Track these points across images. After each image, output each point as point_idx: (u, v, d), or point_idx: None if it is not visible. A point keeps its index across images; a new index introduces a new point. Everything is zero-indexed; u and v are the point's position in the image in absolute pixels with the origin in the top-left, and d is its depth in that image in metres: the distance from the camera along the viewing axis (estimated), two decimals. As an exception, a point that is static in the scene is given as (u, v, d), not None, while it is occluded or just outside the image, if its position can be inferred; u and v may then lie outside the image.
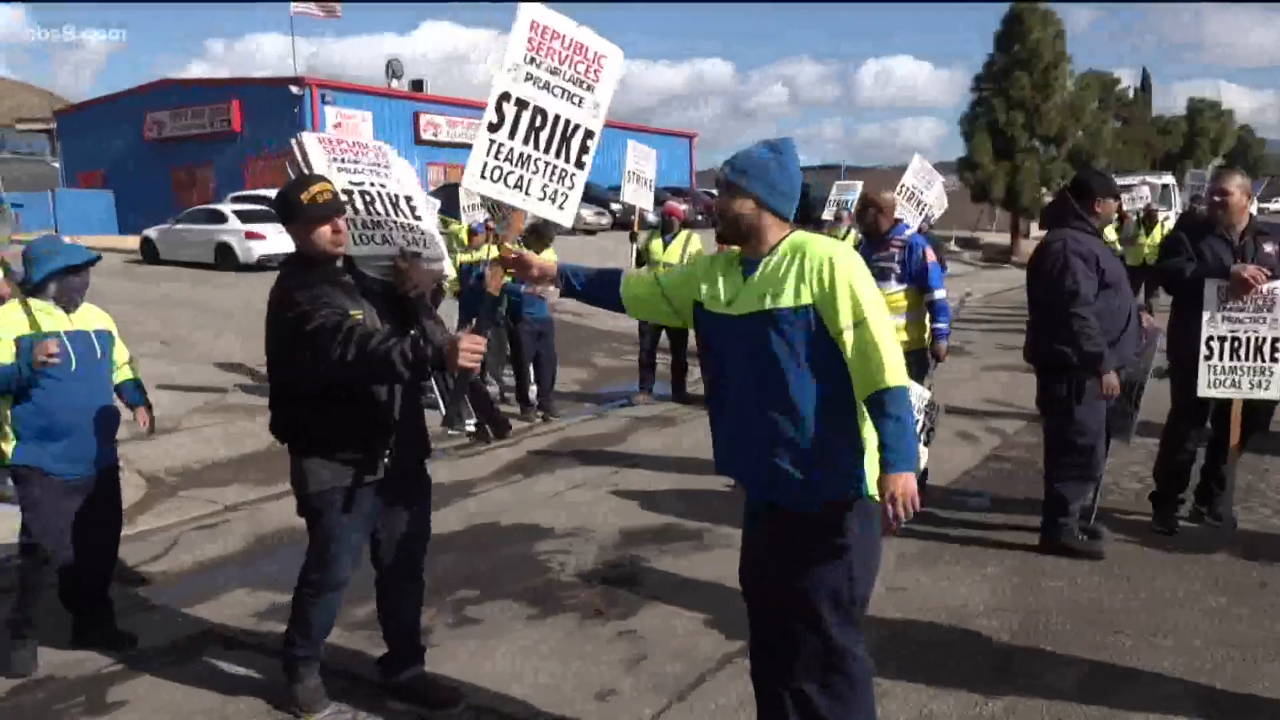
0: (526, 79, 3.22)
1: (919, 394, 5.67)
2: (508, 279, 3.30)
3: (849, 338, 2.64)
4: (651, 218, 11.50)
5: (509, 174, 3.26)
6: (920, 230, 6.98)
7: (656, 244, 9.24)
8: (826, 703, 2.83)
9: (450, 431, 7.54)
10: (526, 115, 3.24)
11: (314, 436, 3.39)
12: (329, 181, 3.36)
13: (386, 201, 3.56)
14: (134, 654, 4.16)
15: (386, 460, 3.39)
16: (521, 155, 3.27)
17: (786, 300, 2.66)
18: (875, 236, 6.07)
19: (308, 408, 3.35)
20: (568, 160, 3.36)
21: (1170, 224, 12.30)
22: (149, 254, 23.11)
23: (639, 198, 9.82)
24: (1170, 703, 3.63)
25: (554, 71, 3.27)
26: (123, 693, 3.86)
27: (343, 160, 3.53)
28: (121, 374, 4.38)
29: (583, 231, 27.96)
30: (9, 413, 3.98)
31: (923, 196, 7.87)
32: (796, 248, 2.73)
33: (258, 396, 9.40)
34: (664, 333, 9.30)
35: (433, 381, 8.63)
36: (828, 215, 12.71)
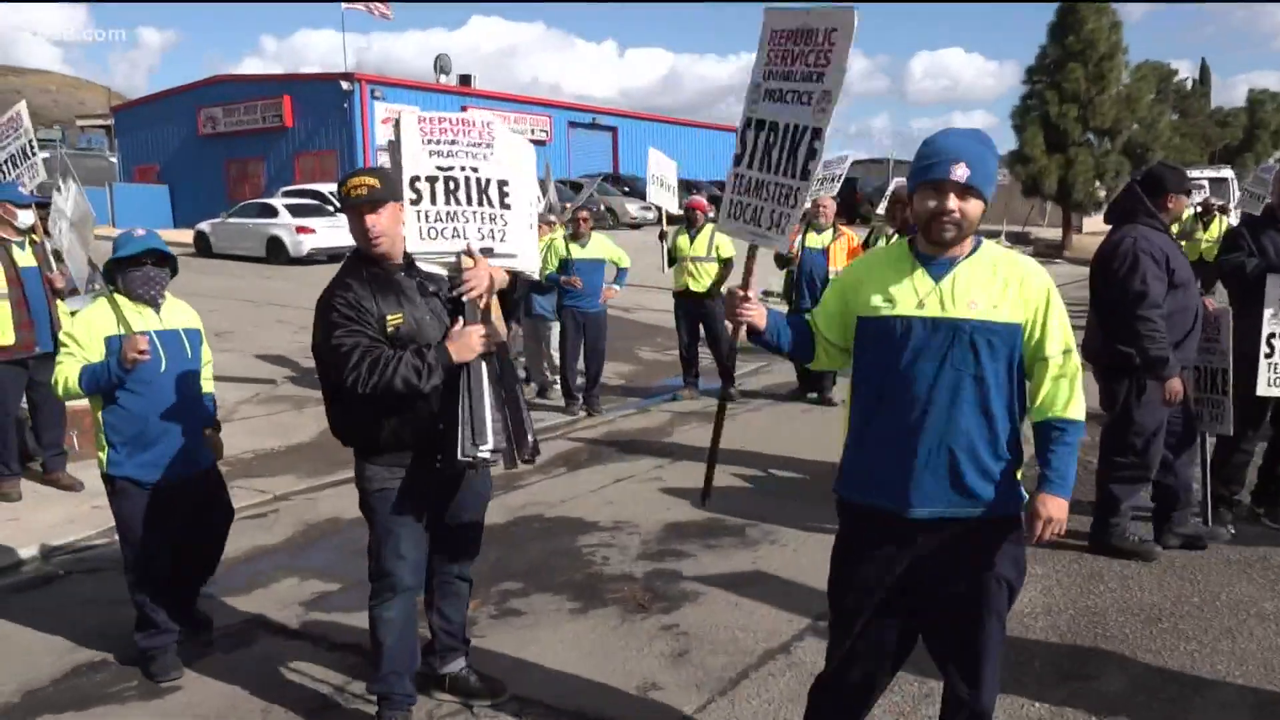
0: (431, 155, 3.26)
1: None
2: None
3: (1054, 364, 2.63)
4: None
5: (444, 229, 3.25)
6: None
7: (683, 239, 9.25)
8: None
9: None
10: (440, 185, 3.26)
11: (365, 436, 3.36)
12: (375, 177, 3.28)
13: (473, 188, 3.35)
14: (185, 642, 4.24)
15: (439, 461, 3.26)
16: (448, 213, 3.26)
17: (997, 314, 2.57)
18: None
19: (356, 407, 3.29)
20: (492, 205, 3.33)
21: (1233, 219, 12.02)
22: (202, 247, 23.56)
23: (662, 199, 10.42)
24: (1226, 710, 3.56)
25: (452, 142, 3.28)
26: (174, 679, 3.93)
27: (438, 141, 3.36)
28: (205, 383, 4.19)
29: (628, 226, 27.98)
30: (100, 418, 3.91)
31: None
32: (995, 259, 2.64)
33: (306, 389, 9.53)
34: (701, 327, 9.27)
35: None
36: (882, 209, 12.45)
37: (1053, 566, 4.90)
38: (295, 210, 22.13)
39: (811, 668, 3.86)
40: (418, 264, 3.34)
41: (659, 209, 11.94)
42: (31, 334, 6.09)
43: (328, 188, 25.05)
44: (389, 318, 3.22)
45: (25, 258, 6.16)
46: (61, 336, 3.97)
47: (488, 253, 3.32)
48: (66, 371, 3.83)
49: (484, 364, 3.23)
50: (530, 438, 3.32)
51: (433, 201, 3.26)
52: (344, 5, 33.08)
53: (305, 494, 6.48)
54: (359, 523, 5.73)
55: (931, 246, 2.64)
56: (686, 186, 28.28)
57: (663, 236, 9.58)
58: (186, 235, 25.61)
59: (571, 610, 4.51)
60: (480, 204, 3.35)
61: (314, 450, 7.41)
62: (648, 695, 3.74)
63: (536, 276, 3.65)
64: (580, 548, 5.35)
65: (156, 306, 3.99)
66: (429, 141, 3.32)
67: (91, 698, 3.81)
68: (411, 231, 3.25)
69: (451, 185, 3.32)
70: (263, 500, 6.31)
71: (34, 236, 6.33)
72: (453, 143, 3.35)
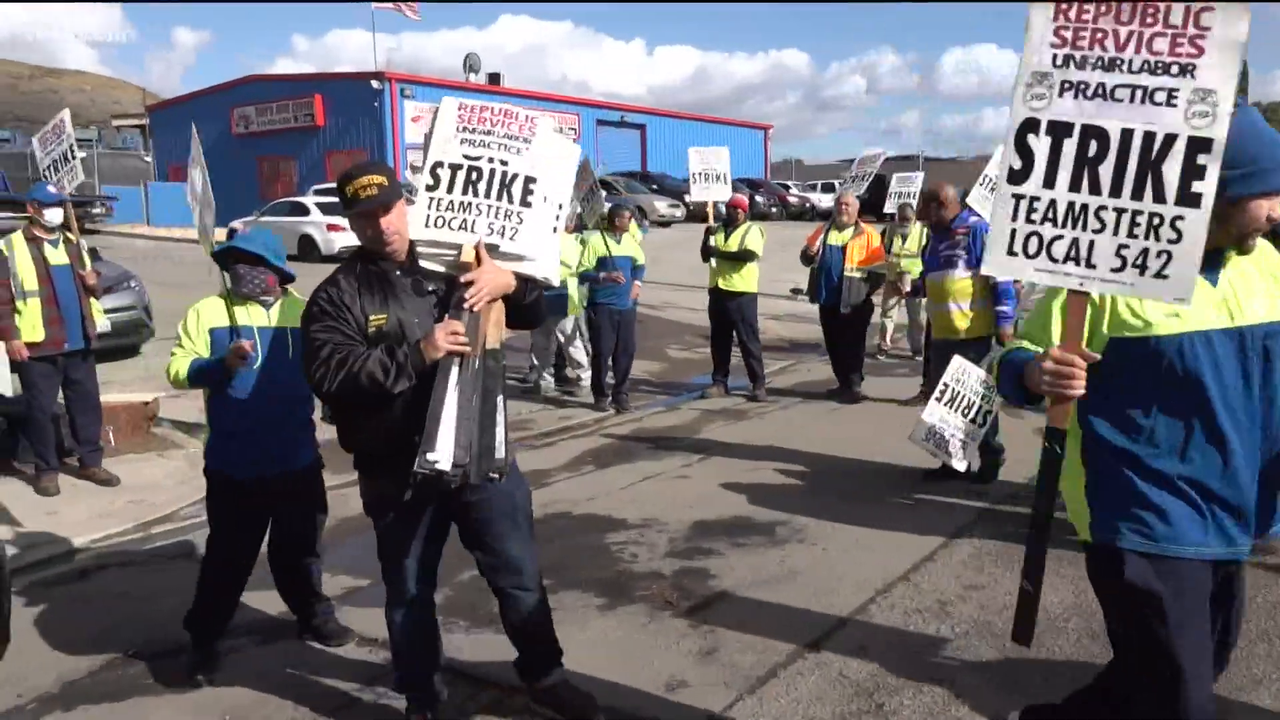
0: (462, 143, 3.18)
1: (978, 377, 5.57)
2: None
3: None
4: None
5: (452, 219, 3.12)
6: None
7: (720, 236, 9.24)
8: None
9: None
10: (462, 173, 3.17)
11: (351, 442, 3.25)
12: (380, 174, 3.15)
13: (495, 181, 3.18)
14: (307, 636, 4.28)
15: (422, 468, 2.92)
16: (461, 203, 3.14)
17: (1276, 313, 2.32)
18: (941, 228, 6.35)
19: (342, 413, 3.21)
20: (511, 201, 3.18)
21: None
22: (235, 246, 23.76)
23: (711, 194, 9.89)
24: (1264, 714, 3.50)
25: (487, 133, 3.19)
26: (208, 671, 3.98)
27: (472, 130, 3.21)
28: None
29: (657, 224, 27.99)
30: (206, 406, 3.98)
31: None
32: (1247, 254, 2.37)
33: (338, 385, 9.59)
34: (734, 327, 9.26)
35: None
36: (890, 208, 12.29)
37: (1080, 567, 4.82)
38: (326, 208, 22.29)
39: (840, 667, 3.85)
40: (420, 262, 3.18)
41: (687, 206, 11.90)
42: (61, 331, 6.18)
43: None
44: (372, 317, 3.09)
45: (57, 255, 6.25)
46: (179, 328, 4.02)
47: (493, 250, 3.14)
48: (178, 365, 3.90)
49: (454, 370, 2.99)
50: (499, 455, 3.05)
51: (449, 190, 3.14)
52: (374, 5, 33.32)
53: (337, 490, 6.49)
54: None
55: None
56: (750, 186, 28.24)
57: (710, 233, 9.55)
58: (220, 234, 25.83)
59: (599, 607, 4.51)
60: (499, 199, 3.18)
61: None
62: (675, 693, 3.74)
63: (554, 282, 3.41)
64: (608, 545, 5.36)
65: (265, 304, 3.99)
66: (463, 129, 3.21)
67: (125, 690, 3.86)
68: (418, 218, 3.12)
69: (474, 175, 3.18)
70: (294, 496, 6.36)
71: (68, 235, 6.43)
72: (488, 133, 3.22)
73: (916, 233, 10.45)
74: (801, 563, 5.02)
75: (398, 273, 3.17)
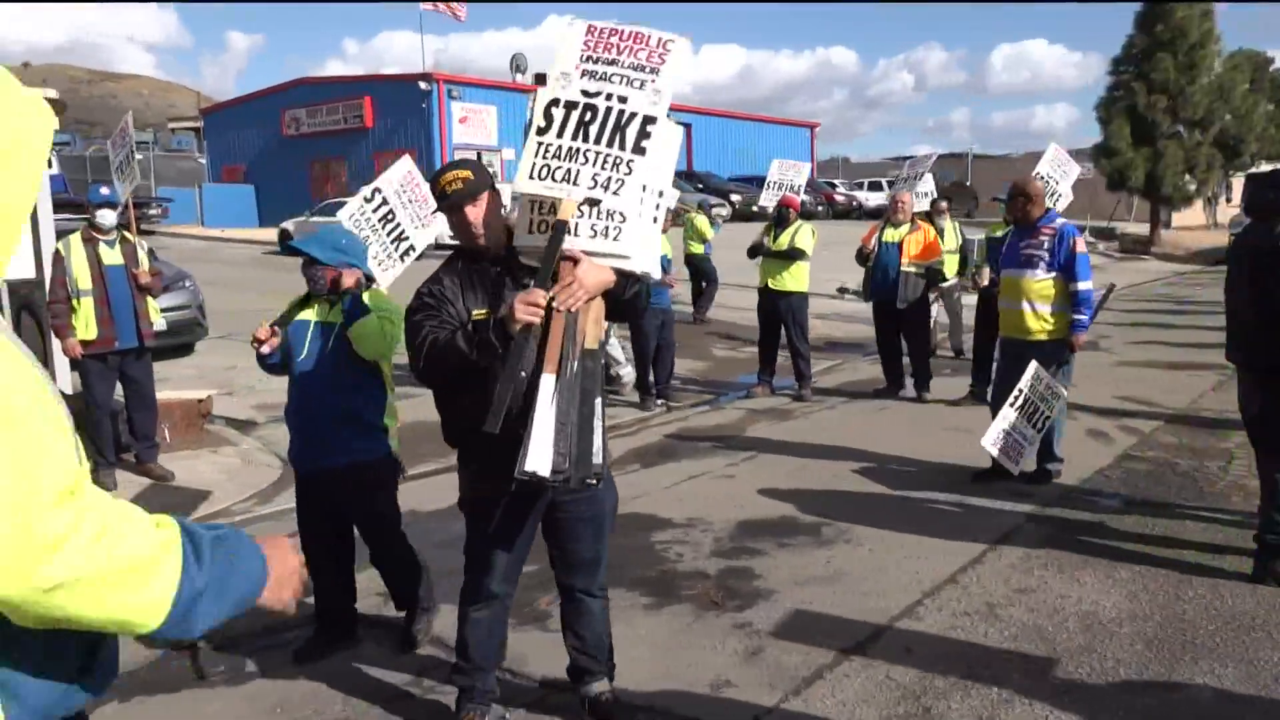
0: (583, 75, 3.01)
1: (1047, 384, 5.49)
2: None
3: None
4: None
5: (556, 169, 2.99)
6: None
7: (770, 235, 9.21)
8: None
9: None
10: (575, 113, 3.00)
11: (450, 442, 3.30)
12: (466, 169, 3.13)
13: (609, 123, 3.01)
14: (270, 628, 4.36)
15: (522, 475, 2.85)
16: (569, 149, 3.00)
17: None
18: (1025, 224, 6.21)
19: (443, 414, 3.26)
20: (623, 148, 2.98)
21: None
22: (285, 245, 24.19)
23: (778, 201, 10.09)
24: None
25: (611, 63, 3.03)
26: (260, 665, 4.06)
27: (597, 60, 3.04)
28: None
29: (702, 222, 27.89)
30: None
31: (1057, 186, 7.62)
32: None
33: (386, 383, 9.70)
34: (783, 327, 9.22)
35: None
36: (918, 206, 11.97)
37: (1138, 571, 4.76)
38: (375, 209, 22.55)
39: (887, 669, 3.82)
40: (520, 258, 3.13)
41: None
42: (112, 330, 6.30)
43: (406, 186, 25.50)
44: (475, 313, 3.09)
45: (112, 255, 6.37)
46: None
47: (594, 204, 2.98)
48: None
49: (552, 376, 2.89)
50: (597, 460, 3.01)
51: (559, 134, 2.99)
52: (422, 6, 33.63)
53: (384, 487, 6.60)
54: (436, 515, 5.85)
55: None
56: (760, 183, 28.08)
57: (768, 230, 9.52)
58: (271, 234, 26.34)
59: (645, 606, 4.52)
60: (610, 144, 2.98)
61: (393, 444, 7.55)
62: (720, 692, 3.74)
63: (655, 276, 3.30)
64: (653, 544, 5.37)
65: (332, 301, 4.02)
66: (586, 59, 3.05)
67: (182, 681, 3.93)
68: (524, 166, 3.01)
69: (587, 116, 2.99)
70: (343, 492, 6.44)
71: (126, 235, 6.56)
72: (612, 62, 3.04)
73: (950, 228, 10.29)
74: (847, 564, 4.99)
75: (496, 270, 3.16)
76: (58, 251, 6.33)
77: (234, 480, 6.59)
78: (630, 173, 2.99)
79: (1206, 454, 6.89)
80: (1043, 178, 7.36)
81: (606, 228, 3.01)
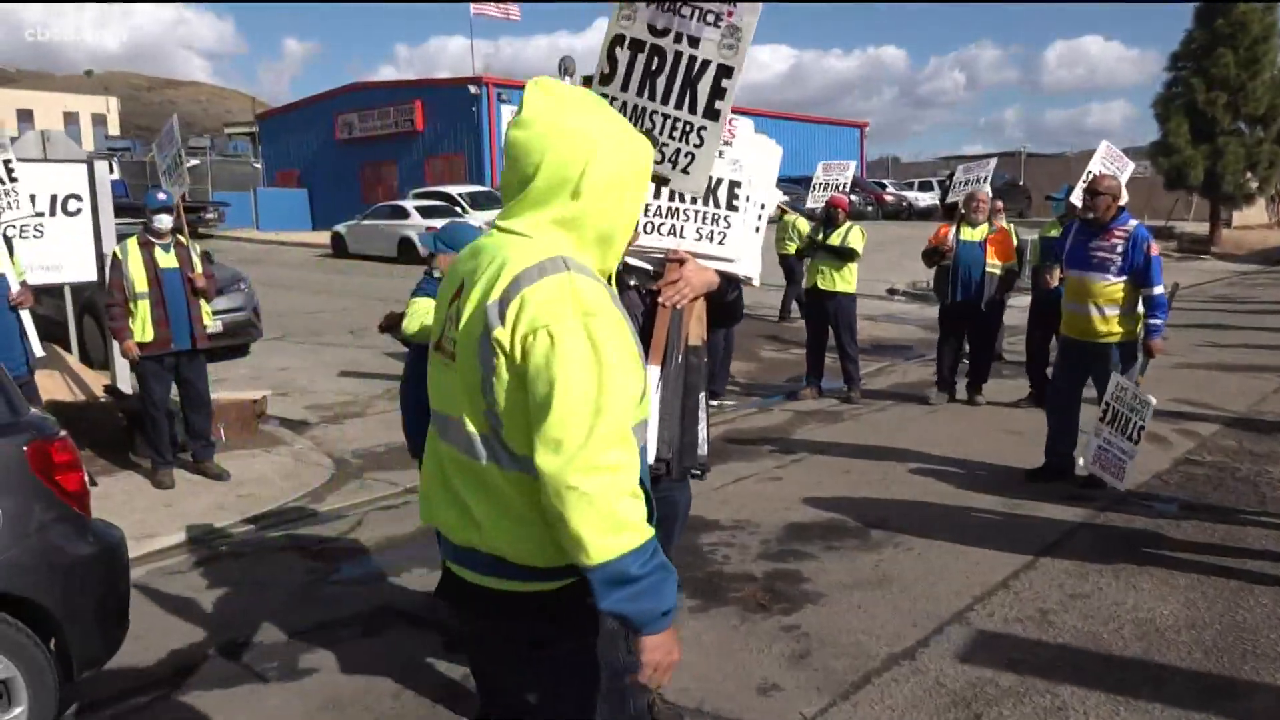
0: (649, 3, 2.73)
1: (1133, 393, 5.38)
2: None
3: None
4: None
5: (660, 225, 3.06)
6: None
7: (819, 236, 9.15)
8: None
9: None
10: (641, 57, 2.73)
11: None
12: None
13: (712, 188, 3.10)
14: (322, 625, 4.43)
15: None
16: (669, 209, 3.05)
17: None
18: (1098, 225, 6.02)
19: None
20: (694, 110, 2.75)
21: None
22: (339, 248, 24.56)
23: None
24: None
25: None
26: (312, 660, 4.12)
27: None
28: None
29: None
30: None
31: None
32: None
33: (436, 384, 9.80)
34: (830, 328, 9.16)
35: None
36: (955, 197, 11.74)
37: (1197, 578, 4.66)
38: (425, 211, 22.82)
39: (937, 675, 3.78)
40: (627, 259, 3.09)
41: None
42: (168, 332, 6.43)
43: (457, 189, 25.77)
44: None
45: (168, 259, 6.50)
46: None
47: (701, 255, 3.08)
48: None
49: (657, 367, 3.00)
50: (702, 451, 3.12)
51: (656, 196, 3.09)
52: (473, 10, 33.94)
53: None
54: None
55: None
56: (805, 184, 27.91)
57: (817, 231, 9.47)
58: (324, 237, 26.73)
59: (692, 608, 4.52)
60: (705, 203, 3.09)
61: (442, 445, 7.62)
62: (768, 695, 3.73)
63: (755, 282, 3.35)
64: (700, 545, 5.36)
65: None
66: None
67: (237, 676, 4.01)
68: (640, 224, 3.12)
69: (654, 63, 2.88)
70: (393, 492, 6.53)
71: (180, 238, 6.70)
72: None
73: (1007, 230, 10.12)
74: (896, 567, 4.94)
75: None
76: (115, 255, 6.48)
77: (288, 479, 6.71)
78: (730, 226, 3.05)
79: (1269, 459, 6.72)
80: (1113, 178, 7.22)
81: (712, 232, 3.11)
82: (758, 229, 3.26)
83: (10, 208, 6.54)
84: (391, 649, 4.20)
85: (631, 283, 3.13)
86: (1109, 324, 5.97)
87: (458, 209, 23.75)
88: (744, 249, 3.18)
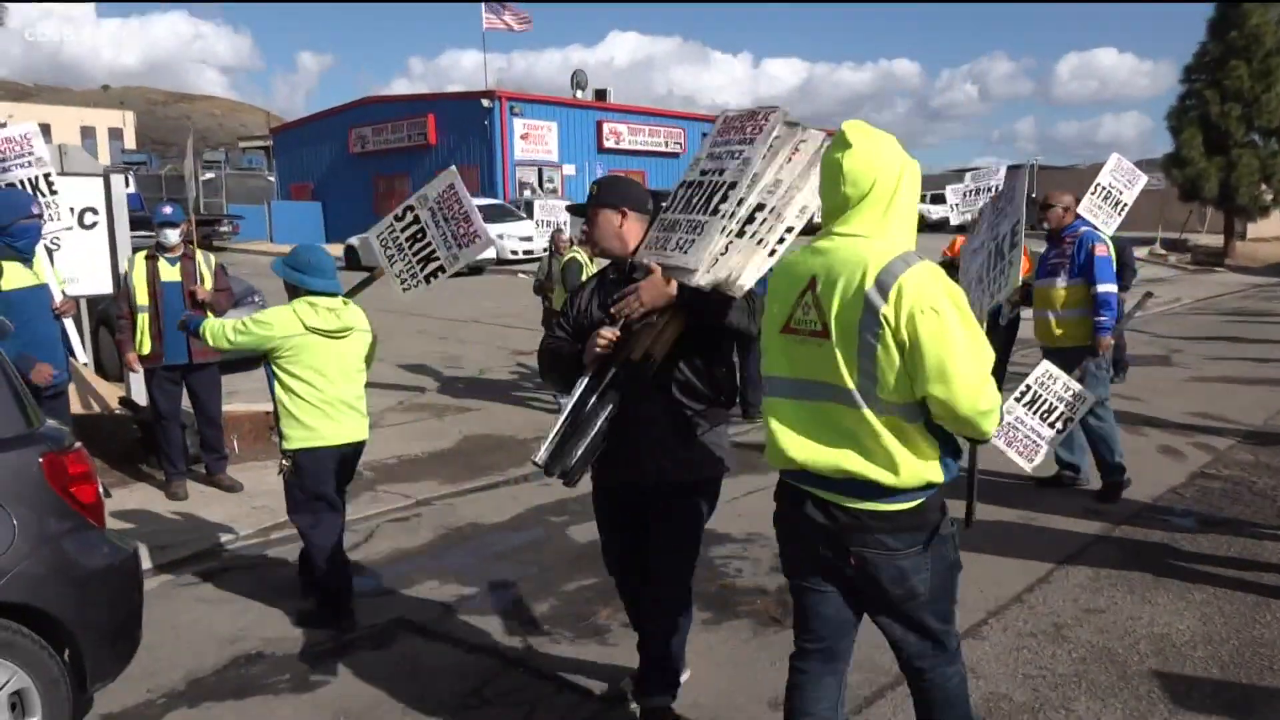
0: (708, 158, 3.24)
1: (1064, 383, 5.38)
2: None
3: None
4: None
5: (654, 240, 3.27)
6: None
7: None
8: None
9: None
10: (685, 192, 3.25)
11: None
12: (601, 183, 3.49)
13: (706, 193, 3.14)
14: (334, 637, 4.43)
15: (533, 459, 3.24)
16: (671, 221, 3.22)
17: None
18: (1053, 236, 6.35)
19: None
20: (704, 213, 3.09)
21: None
22: (352, 261, 24.65)
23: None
24: None
25: (725, 142, 3.19)
26: (324, 673, 4.12)
27: (719, 141, 3.22)
28: None
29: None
30: None
31: (1121, 196, 7.48)
32: None
33: (449, 397, 9.83)
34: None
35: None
36: (956, 219, 11.51)
37: (1213, 592, 4.62)
38: (438, 224, 22.87)
39: (950, 689, 3.75)
40: (634, 275, 3.28)
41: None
42: (161, 346, 6.45)
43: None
44: (592, 316, 3.40)
45: (170, 272, 6.51)
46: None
47: (667, 264, 3.12)
48: None
49: (591, 380, 3.21)
50: (573, 460, 3.15)
51: (668, 209, 3.26)
52: (485, 23, 34.14)
53: (446, 499, 6.68)
54: (497, 528, 5.90)
55: None
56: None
57: None
58: (337, 249, 26.82)
59: (704, 622, 4.50)
60: (699, 213, 3.11)
61: (455, 457, 7.64)
62: (779, 710, 3.69)
63: (738, 291, 3.06)
64: (712, 559, 5.34)
65: None
66: (712, 144, 3.24)
67: (249, 688, 4.02)
68: (646, 240, 3.33)
69: (693, 193, 3.19)
70: (405, 504, 6.54)
71: (190, 251, 6.71)
72: (725, 142, 3.20)
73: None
74: (910, 581, 4.91)
75: (612, 276, 3.45)
76: (126, 268, 6.53)
77: (300, 491, 6.72)
78: (701, 234, 3.08)
79: (1285, 472, 6.67)
80: (1103, 188, 7.26)
81: (680, 240, 3.13)
82: (761, 239, 2.99)
83: (51, 219, 6.59)
84: (403, 661, 4.20)
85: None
86: (1063, 326, 6.15)
87: (470, 222, 23.80)
88: (707, 257, 3.00)
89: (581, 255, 9.16)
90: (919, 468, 2.43)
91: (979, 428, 2.36)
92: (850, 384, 2.41)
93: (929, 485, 2.47)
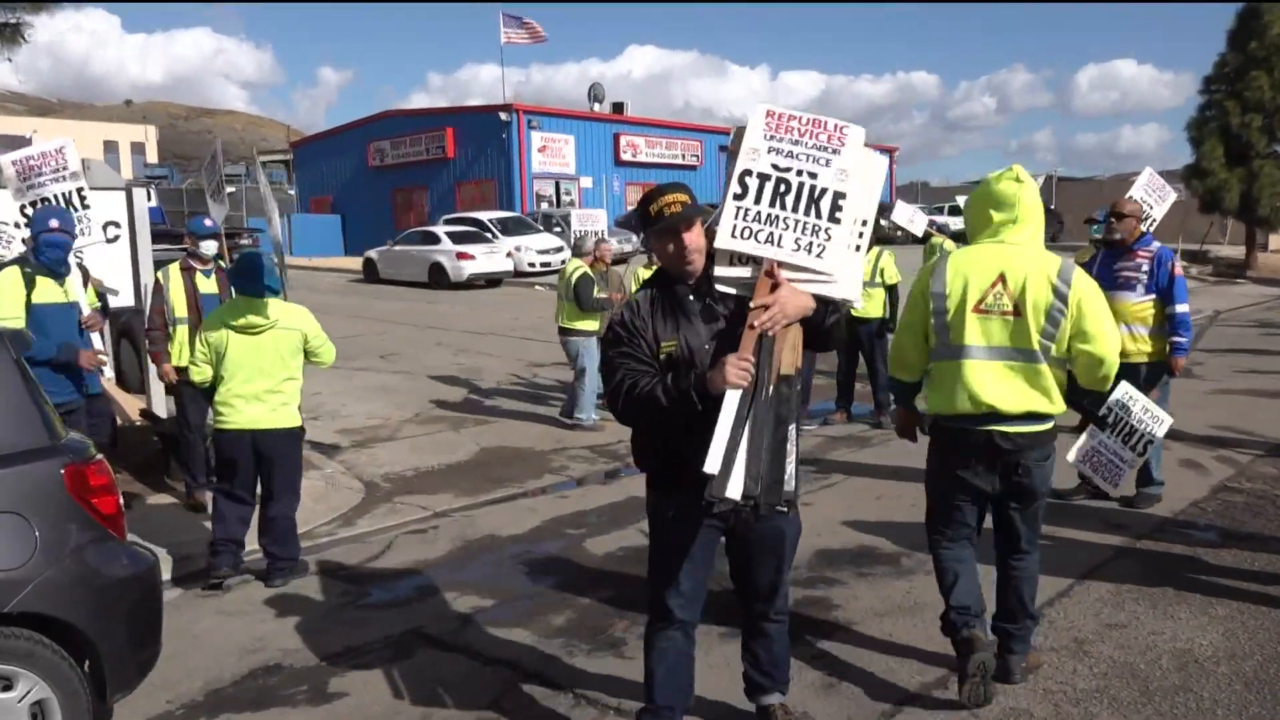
0: (770, 151, 3.18)
1: (1142, 404, 5.33)
2: None
3: None
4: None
5: (758, 231, 3.12)
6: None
7: None
8: None
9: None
10: (770, 184, 3.17)
11: (644, 461, 3.37)
12: (683, 193, 3.15)
13: (804, 195, 3.16)
14: (351, 648, 4.43)
15: (711, 498, 2.90)
16: (769, 215, 3.12)
17: None
18: (1121, 247, 6.20)
19: (638, 431, 3.33)
20: (819, 216, 3.13)
21: None
22: (370, 273, 24.78)
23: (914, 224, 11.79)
24: None
25: (795, 143, 3.17)
26: (342, 684, 4.13)
27: (780, 139, 3.20)
28: None
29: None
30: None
31: (1151, 211, 7.44)
32: None
33: (466, 410, 9.86)
34: (860, 354, 9.12)
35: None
36: (917, 230, 12.73)
37: (1236, 607, 4.57)
38: (456, 237, 23.02)
39: (970, 707, 3.72)
40: (716, 286, 3.15)
41: (929, 231, 13.24)
42: None
43: (487, 215, 25.97)
44: (664, 343, 3.12)
45: (207, 285, 6.59)
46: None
47: (797, 268, 3.08)
48: None
49: (744, 397, 2.92)
50: (789, 487, 2.98)
51: (756, 200, 3.13)
52: (502, 37, 34.37)
53: (464, 511, 6.69)
54: (515, 540, 5.90)
55: None
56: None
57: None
58: (356, 262, 27.01)
59: (721, 634, 4.48)
60: (806, 213, 3.13)
61: (473, 469, 7.65)
62: None
63: (857, 304, 3.34)
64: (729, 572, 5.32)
65: None
66: (771, 138, 3.19)
67: (267, 698, 4.03)
68: (725, 227, 3.12)
69: (782, 188, 3.14)
70: (423, 516, 6.55)
71: (222, 264, 6.79)
72: (795, 143, 3.19)
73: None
74: (928, 595, 4.87)
75: (690, 297, 3.17)
76: (157, 281, 6.58)
77: (319, 502, 6.74)
78: (830, 239, 3.15)
79: (1310, 486, 6.59)
80: (1135, 201, 7.19)
81: (811, 243, 3.14)
82: (858, 247, 3.19)
83: (84, 234, 6.67)
84: (420, 672, 4.20)
85: (722, 311, 3.13)
86: (1138, 342, 6.02)
87: (488, 234, 23.93)
88: (843, 266, 3.12)
89: (587, 268, 9.06)
90: (1061, 401, 3.61)
91: (1110, 373, 3.60)
92: (1036, 346, 3.53)
93: (1059, 413, 3.62)
